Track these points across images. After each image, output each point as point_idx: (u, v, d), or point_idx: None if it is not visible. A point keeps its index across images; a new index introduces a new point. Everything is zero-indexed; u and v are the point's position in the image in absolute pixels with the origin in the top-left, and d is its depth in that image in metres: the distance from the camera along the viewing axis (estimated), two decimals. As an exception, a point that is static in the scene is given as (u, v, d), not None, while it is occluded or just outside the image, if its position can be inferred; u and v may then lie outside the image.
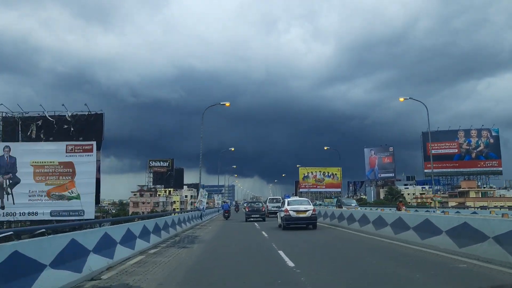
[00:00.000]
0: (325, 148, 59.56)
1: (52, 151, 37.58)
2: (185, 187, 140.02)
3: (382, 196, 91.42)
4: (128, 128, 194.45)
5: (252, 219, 29.04)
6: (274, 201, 36.53)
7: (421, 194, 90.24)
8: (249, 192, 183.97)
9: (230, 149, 55.86)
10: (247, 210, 30.69)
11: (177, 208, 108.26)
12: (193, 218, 24.16)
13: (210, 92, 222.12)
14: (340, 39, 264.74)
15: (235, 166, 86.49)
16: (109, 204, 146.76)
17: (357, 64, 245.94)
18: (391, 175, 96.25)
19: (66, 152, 37.44)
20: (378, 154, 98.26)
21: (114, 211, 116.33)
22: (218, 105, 31.54)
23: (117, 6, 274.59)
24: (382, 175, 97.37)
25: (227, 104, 29.31)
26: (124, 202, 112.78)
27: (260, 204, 32.15)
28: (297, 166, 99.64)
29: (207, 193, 27.46)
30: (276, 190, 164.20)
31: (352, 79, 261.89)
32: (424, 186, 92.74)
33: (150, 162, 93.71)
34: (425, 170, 72.24)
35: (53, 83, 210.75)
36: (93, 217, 37.02)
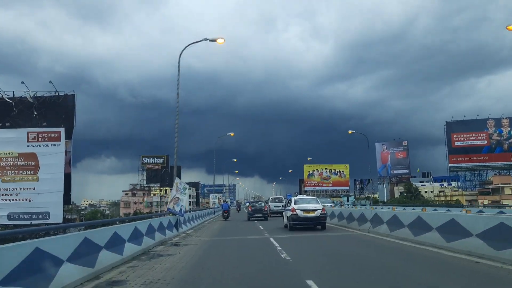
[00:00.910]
0: (350, 132, 49.47)
1: (10, 140, 30.81)
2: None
3: (397, 194, 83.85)
4: (127, 128, 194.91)
5: (254, 218, 29.23)
6: (277, 200, 35.55)
7: (440, 191, 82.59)
8: (251, 191, 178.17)
9: (229, 134, 50.08)
10: (250, 209, 31.04)
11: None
12: (157, 230, 12.97)
13: (209, 92, 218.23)
14: (339, 38, 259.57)
15: (235, 160, 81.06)
16: (107, 204, 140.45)
17: (356, 63, 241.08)
18: (405, 171, 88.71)
19: (28, 141, 30.79)
20: (391, 149, 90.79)
21: (108, 212, 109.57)
22: (205, 42, 20.39)
23: (114, 6, 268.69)
24: (395, 171, 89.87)
25: (220, 41, 20.15)
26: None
27: (262, 204, 32.35)
28: (308, 158, 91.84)
29: (187, 187, 18.69)
30: (280, 189, 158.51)
31: (352, 78, 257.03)
32: (442, 183, 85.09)
33: (143, 159, 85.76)
34: (450, 165, 64.63)
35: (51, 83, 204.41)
36: (61, 221, 29.98)
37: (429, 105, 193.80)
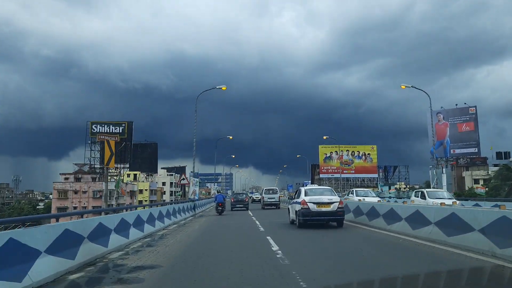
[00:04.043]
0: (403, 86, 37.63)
1: None
2: (163, 171, 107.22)
3: (469, 182, 57.67)
4: (118, 115, 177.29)
5: (236, 208, 31.03)
6: (271, 192, 34.28)
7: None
8: (250, 179, 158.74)
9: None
10: (232, 201, 32.77)
11: (147, 201, 74.62)
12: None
13: (202, 78, 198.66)
14: (335, 23, 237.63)
15: (233, 156, 78.32)
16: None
17: (352, 50, 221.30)
18: (473, 150, 62.79)
19: None
20: (451, 120, 64.75)
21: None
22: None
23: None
24: (457, 150, 63.78)
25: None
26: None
27: (244, 196, 34.30)
28: (325, 137, 65.20)
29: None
30: (284, 180, 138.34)
31: (347, 66, 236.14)
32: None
33: (94, 127, 57.10)
34: None
35: (40, 69, 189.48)
36: None
37: (425, 95, 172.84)
